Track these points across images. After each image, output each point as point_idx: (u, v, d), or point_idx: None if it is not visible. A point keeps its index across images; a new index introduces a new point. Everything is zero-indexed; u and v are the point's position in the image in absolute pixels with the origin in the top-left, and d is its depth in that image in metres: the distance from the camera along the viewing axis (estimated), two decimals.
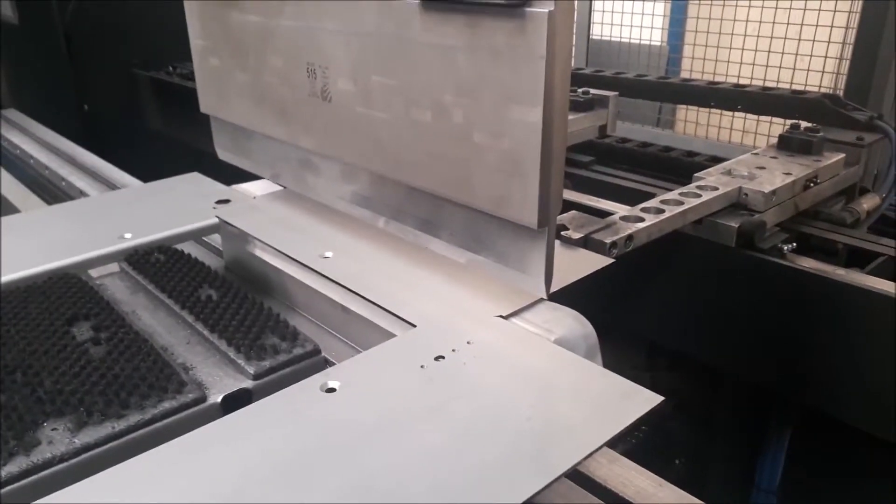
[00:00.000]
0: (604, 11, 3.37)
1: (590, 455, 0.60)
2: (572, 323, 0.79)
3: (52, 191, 1.74)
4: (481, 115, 0.72)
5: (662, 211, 1.12)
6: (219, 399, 0.70)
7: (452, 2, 0.70)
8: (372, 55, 0.82)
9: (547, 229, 0.72)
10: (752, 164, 1.34)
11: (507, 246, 0.78)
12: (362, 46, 0.83)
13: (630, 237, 1.04)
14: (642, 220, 1.09)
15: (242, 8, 0.99)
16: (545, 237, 0.73)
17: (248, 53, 1.01)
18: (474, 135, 0.74)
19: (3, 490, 0.59)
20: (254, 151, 1.11)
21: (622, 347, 1.45)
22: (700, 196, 1.19)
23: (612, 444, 0.67)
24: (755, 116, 2.53)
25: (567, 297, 0.82)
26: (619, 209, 1.16)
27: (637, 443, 1.49)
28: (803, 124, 1.47)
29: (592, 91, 1.65)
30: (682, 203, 1.15)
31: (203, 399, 0.70)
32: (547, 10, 0.63)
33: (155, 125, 2.76)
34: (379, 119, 0.85)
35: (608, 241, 1.00)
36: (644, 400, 0.65)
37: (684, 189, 1.23)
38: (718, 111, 2.80)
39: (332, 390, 0.67)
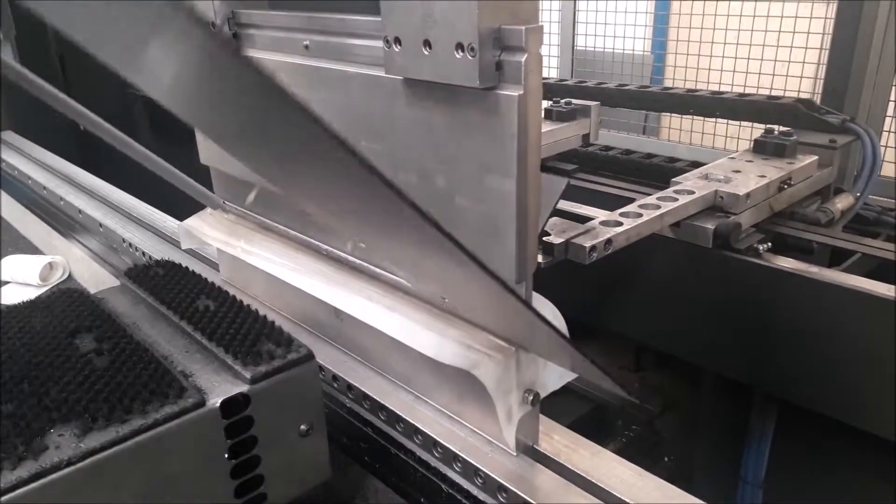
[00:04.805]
0: (587, 23, 3.42)
1: None
2: (544, 312, 0.84)
3: (50, 210, 1.77)
4: (461, 182, 0.77)
5: (640, 215, 1.16)
6: (217, 403, 0.74)
7: (431, 82, 0.74)
8: (360, 122, 0.87)
9: (524, 284, 0.77)
10: (728, 168, 1.38)
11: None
12: (351, 114, 0.88)
13: (609, 241, 1.08)
14: (621, 224, 1.13)
15: None
16: (523, 291, 0.78)
17: None
18: (456, 198, 0.78)
19: (14, 493, 0.62)
20: (252, 200, 1.16)
21: (608, 349, 1.49)
22: (677, 200, 1.23)
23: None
24: (737, 122, 2.57)
25: (550, 299, 0.86)
26: (601, 215, 1.19)
27: (627, 442, 1.53)
28: (778, 128, 1.52)
29: (574, 101, 1.70)
30: (659, 207, 1.19)
31: (202, 403, 0.73)
32: (517, 94, 0.67)
33: (150, 144, 2.79)
34: None
35: (588, 244, 1.04)
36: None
37: (662, 193, 1.27)
38: (701, 118, 2.85)
39: None
